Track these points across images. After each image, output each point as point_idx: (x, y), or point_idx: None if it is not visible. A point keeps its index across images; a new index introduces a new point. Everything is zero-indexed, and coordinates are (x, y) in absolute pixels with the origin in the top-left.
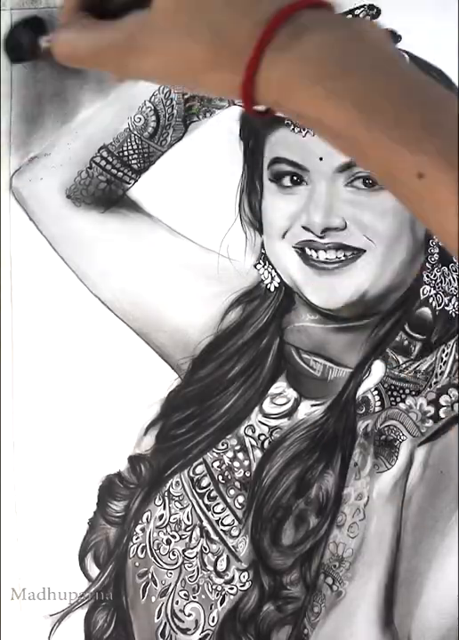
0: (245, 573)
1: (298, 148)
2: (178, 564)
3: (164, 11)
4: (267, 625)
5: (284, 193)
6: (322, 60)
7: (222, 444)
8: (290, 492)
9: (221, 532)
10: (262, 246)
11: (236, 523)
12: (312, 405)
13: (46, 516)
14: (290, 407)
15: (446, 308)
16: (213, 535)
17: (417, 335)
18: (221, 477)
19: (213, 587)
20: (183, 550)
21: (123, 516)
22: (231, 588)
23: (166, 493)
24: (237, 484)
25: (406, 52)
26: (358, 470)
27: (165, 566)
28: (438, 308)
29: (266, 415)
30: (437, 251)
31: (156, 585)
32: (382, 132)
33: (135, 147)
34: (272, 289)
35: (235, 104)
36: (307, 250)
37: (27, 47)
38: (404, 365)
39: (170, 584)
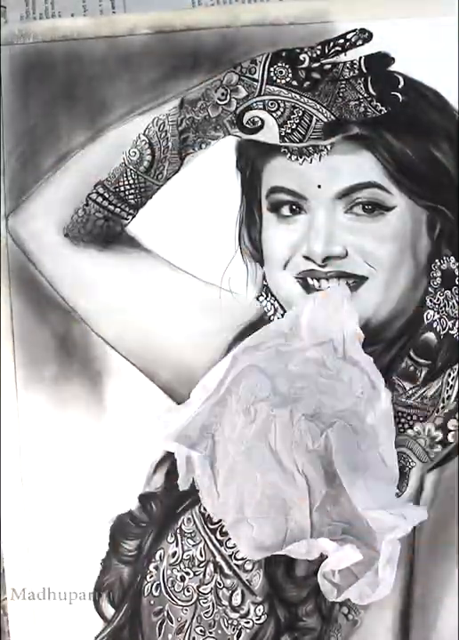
0: (261, 607)
1: (296, 177)
2: (193, 601)
3: None
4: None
5: (283, 223)
6: None
7: None
8: None
9: (235, 567)
10: (264, 278)
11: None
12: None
13: (58, 558)
14: None
15: (451, 332)
16: (226, 570)
17: (423, 361)
18: None
19: (229, 621)
20: (198, 586)
21: (136, 555)
22: (247, 622)
23: (178, 530)
24: None
25: (401, 75)
26: None
27: (180, 603)
28: (442, 333)
29: None
30: (439, 274)
31: (172, 622)
32: None
33: (131, 181)
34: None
35: (230, 134)
36: (309, 280)
37: None
38: (410, 392)
39: (186, 621)
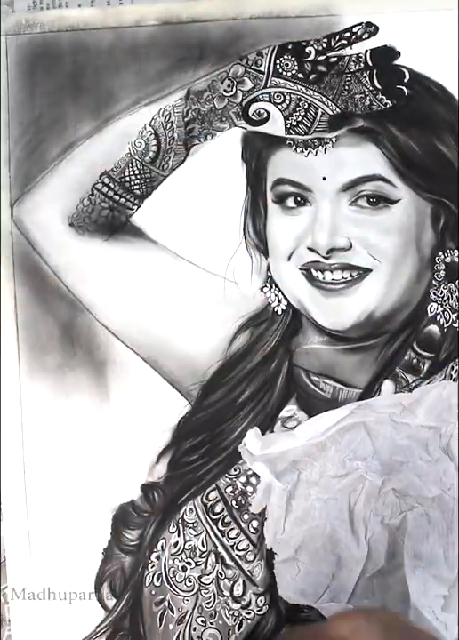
0: (262, 597)
1: (301, 169)
2: (194, 591)
3: None
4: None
5: (288, 214)
6: None
7: (235, 470)
8: None
9: (237, 557)
10: (268, 269)
11: (251, 547)
12: None
13: (60, 547)
14: None
15: (454, 324)
16: (228, 560)
17: (426, 353)
18: (234, 503)
19: (231, 612)
20: (199, 577)
21: (137, 545)
22: (248, 613)
23: (180, 520)
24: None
25: (406, 68)
26: None
27: (181, 593)
28: (446, 326)
29: None
30: (443, 268)
31: (173, 612)
32: None
33: (137, 172)
34: (279, 312)
35: (236, 125)
36: (313, 271)
37: None
38: (413, 384)
39: (187, 611)
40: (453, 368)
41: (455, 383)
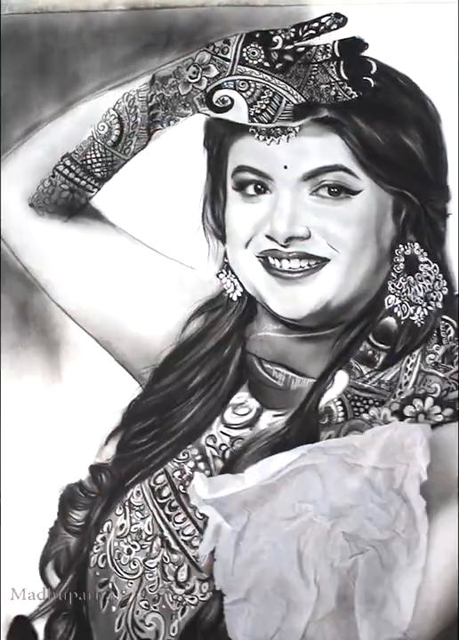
0: (206, 584)
1: (262, 157)
2: (138, 574)
3: None
4: (228, 636)
5: (247, 202)
6: None
7: (183, 454)
8: None
9: (182, 542)
10: (225, 255)
11: (197, 533)
12: (274, 416)
13: (6, 525)
14: (252, 417)
15: (412, 317)
16: (173, 545)
17: (382, 345)
18: (181, 487)
19: (174, 597)
20: (144, 560)
21: (84, 526)
22: (192, 599)
23: (127, 503)
24: None
25: (374, 60)
26: None
27: (125, 576)
28: (403, 318)
29: (227, 425)
30: (402, 260)
31: (116, 594)
32: None
33: (99, 155)
34: (235, 298)
35: (199, 112)
36: (270, 259)
37: None
38: (368, 376)
39: (130, 594)
40: (408, 361)
41: (407, 424)
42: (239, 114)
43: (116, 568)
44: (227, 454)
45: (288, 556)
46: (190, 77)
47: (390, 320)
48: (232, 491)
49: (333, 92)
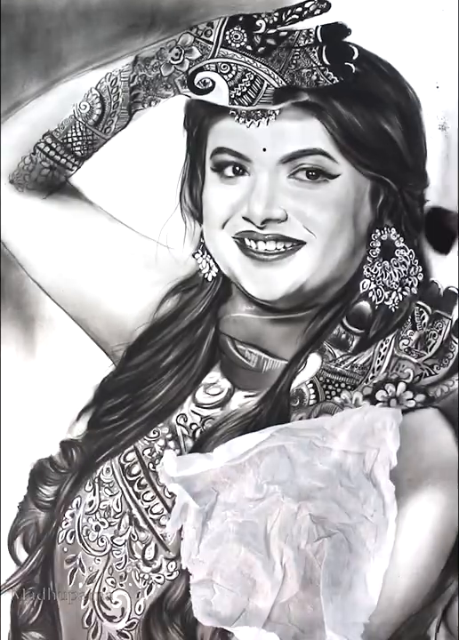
0: (173, 563)
1: (242, 139)
2: (106, 551)
3: None
4: (193, 615)
5: (225, 183)
6: None
7: (154, 433)
8: None
9: (150, 521)
10: (202, 236)
11: (165, 511)
12: (246, 396)
13: None
14: (223, 397)
15: (386, 302)
16: (141, 523)
17: (355, 329)
18: (151, 465)
19: (141, 575)
20: (112, 537)
21: (53, 501)
22: (158, 577)
23: (97, 480)
24: None
25: (356, 46)
26: None
27: (93, 553)
28: (377, 303)
29: (199, 405)
30: (379, 245)
31: (83, 571)
32: None
33: (79, 134)
34: (210, 279)
35: (180, 93)
36: (246, 240)
37: None
38: (341, 359)
39: (98, 571)
40: (382, 346)
41: (377, 408)
42: (220, 96)
43: (83, 544)
44: (197, 434)
45: (255, 536)
46: (173, 59)
47: (365, 304)
48: (200, 469)
49: (314, 77)
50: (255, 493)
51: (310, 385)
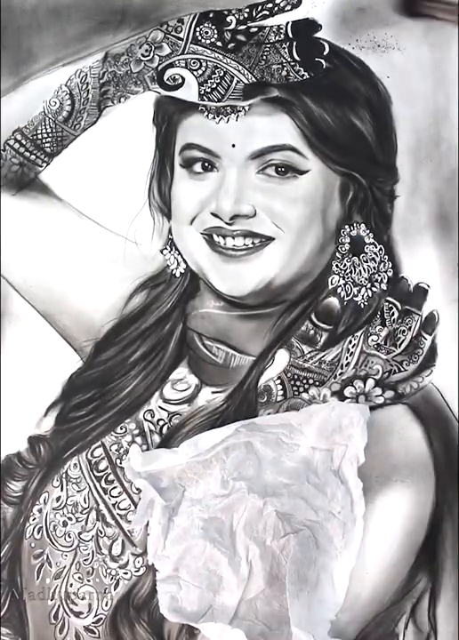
0: (140, 559)
1: (211, 135)
2: (73, 547)
3: None
4: (160, 611)
5: (194, 179)
6: None
7: (121, 428)
8: None
9: (118, 516)
10: (170, 232)
11: (132, 507)
12: (213, 392)
13: None
14: (190, 393)
15: (355, 298)
16: (109, 519)
17: (323, 325)
18: (119, 461)
19: (108, 571)
20: (79, 533)
21: (21, 497)
22: (126, 573)
23: (64, 475)
24: None
25: (327, 42)
26: None
27: (60, 548)
28: (346, 299)
29: (166, 400)
30: (348, 240)
31: (51, 566)
32: None
33: (49, 130)
34: (178, 274)
35: (150, 89)
36: (215, 236)
37: None
38: (309, 355)
39: (65, 566)
40: (350, 342)
41: (344, 404)
42: (189, 92)
43: (51, 540)
44: (164, 429)
45: (221, 532)
46: (143, 55)
47: (333, 300)
48: (166, 464)
49: (284, 73)
50: (221, 489)
51: (278, 381)
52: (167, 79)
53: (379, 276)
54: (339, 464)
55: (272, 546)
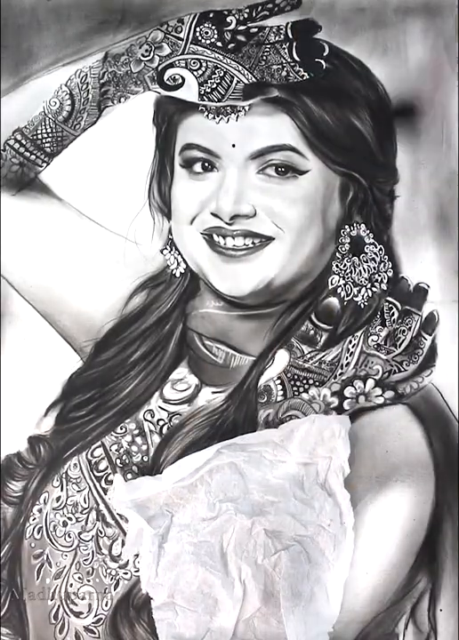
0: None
1: (211, 135)
2: (73, 547)
3: None
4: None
5: (194, 179)
6: None
7: (121, 428)
8: None
9: (117, 517)
10: (170, 232)
11: None
12: (213, 392)
13: None
14: (190, 393)
15: (355, 298)
16: (109, 519)
17: (324, 325)
18: (118, 461)
19: (108, 571)
20: (79, 533)
21: (21, 497)
22: (125, 573)
23: (64, 475)
24: (135, 468)
25: (326, 43)
26: None
27: (60, 548)
28: (346, 299)
29: (166, 400)
30: (348, 241)
31: (51, 566)
32: None
33: (49, 130)
34: (178, 274)
35: (150, 89)
36: (215, 236)
37: None
38: (309, 355)
39: (65, 566)
40: (350, 342)
41: (324, 416)
42: (189, 92)
43: (51, 540)
44: (164, 429)
45: (212, 555)
46: (143, 55)
47: (333, 300)
48: (150, 492)
49: (284, 73)
50: (208, 512)
51: (278, 381)
52: (167, 79)
53: (379, 276)
54: (325, 477)
55: (264, 564)
